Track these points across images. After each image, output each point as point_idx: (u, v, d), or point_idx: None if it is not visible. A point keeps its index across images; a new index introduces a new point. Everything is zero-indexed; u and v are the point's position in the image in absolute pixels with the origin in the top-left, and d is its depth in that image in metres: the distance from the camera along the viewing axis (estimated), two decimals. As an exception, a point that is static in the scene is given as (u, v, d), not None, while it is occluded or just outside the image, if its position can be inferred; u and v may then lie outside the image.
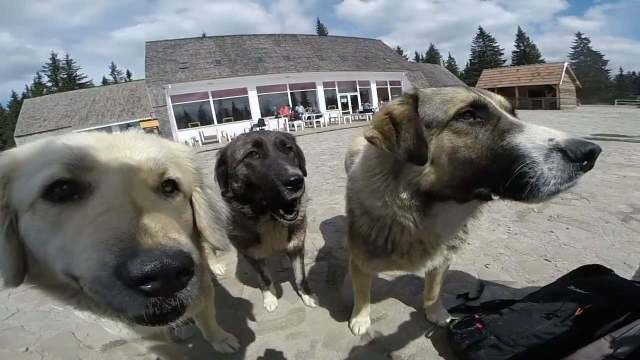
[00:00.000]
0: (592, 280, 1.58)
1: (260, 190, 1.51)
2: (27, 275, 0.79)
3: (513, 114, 0.98)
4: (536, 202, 0.81)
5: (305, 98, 24.72)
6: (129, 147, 0.80)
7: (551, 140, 0.78)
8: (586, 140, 0.77)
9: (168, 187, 0.83)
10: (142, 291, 0.55)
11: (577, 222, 2.96)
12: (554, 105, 24.96)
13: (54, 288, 0.81)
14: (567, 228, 2.87)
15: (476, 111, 0.93)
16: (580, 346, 1.25)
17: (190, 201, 0.95)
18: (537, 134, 0.81)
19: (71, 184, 0.69)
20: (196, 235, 0.96)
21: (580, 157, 0.75)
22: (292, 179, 1.36)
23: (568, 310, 1.40)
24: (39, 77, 52.20)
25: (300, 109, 22.19)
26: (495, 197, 0.88)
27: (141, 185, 0.75)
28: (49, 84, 50.92)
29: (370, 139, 1.02)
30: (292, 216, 1.50)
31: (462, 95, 0.96)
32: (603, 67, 54.25)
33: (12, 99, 51.97)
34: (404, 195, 1.03)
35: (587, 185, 3.94)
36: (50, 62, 51.86)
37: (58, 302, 0.86)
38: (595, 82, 50.57)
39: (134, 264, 0.54)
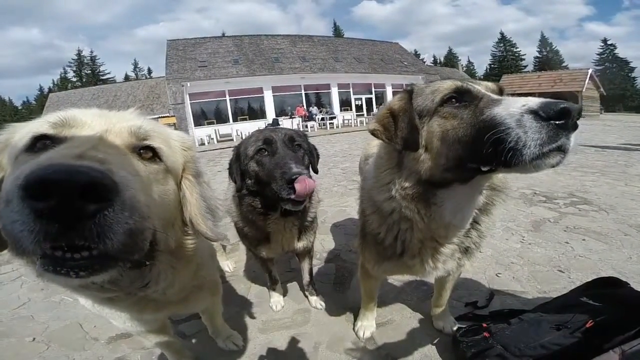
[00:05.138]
0: (606, 292, 1.53)
1: (268, 186, 1.52)
2: None
3: (501, 95, 1.01)
4: (525, 168, 0.81)
5: (319, 99, 24.79)
6: (119, 117, 0.83)
7: (524, 105, 0.79)
8: (559, 100, 0.77)
9: (147, 153, 0.81)
10: (35, 210, 0.46)
11: (595, 234, 2.87)
12: (575, 113, 24.17)
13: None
14: (584, 239, 2.78)
15: (460, 96, 0.99)
16: (588, 358, 1.22)
17: (179, 187, 0.94)
18: (513, 103, 0.83)
19: (52, 139, 0.72)
20: (182, 223, 0.95)
21: (552, 115, 0.75)
22: (294, 177, 1.37)
23: (579, 322, 1.36)
24: (65, 72, 54.46)
25: (314, 110, 22.26)
26: (484, 169, 0.90)
27: (114, 141, 0.73)
28: (74, 79, 52.84)
29: (372, 132, 1.12)
30: (298, 207, 1.48)
31: (447, 84, 1.03)
32: (630, 74, 52.19)
33: (39, 92, 54.30)
34: (406, 184, 1.09)
35: (607, 197, 3.82)
36: (75, 57, 53.86)
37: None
38: (621, 89, 48.75)
39: (35, 170, 0.45)
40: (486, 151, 0.84)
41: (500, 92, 1.05)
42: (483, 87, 1.01)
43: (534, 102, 0.78)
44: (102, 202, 0.49)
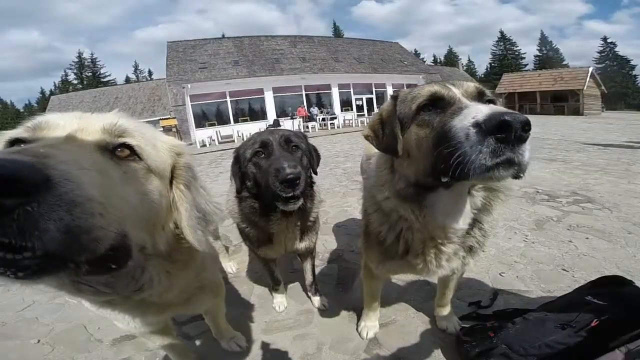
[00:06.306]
0: (610, 291, 1.52)
1: (265, 188, 1.53)
2: None
3: (481, 98, 1.01)
4: (478, 181, 0.84)
5: (320, 99, 24.77)
6: (99, 118, 0.81)
7: (474, 117, 0.78)
8: (505, 111, 0.75)
9: (123, 151, 0.77)
10: None
11: (598, 232, 2.86)
12: (577, 111, 24.13)
13: None
14: (587, 238, 2.77)
15: (435, 102, 0.98)
16: (594, 357, 1.21)
17: (170, 189, 0.91)
18: (467, 115, 0.81)
19: (26, 143, 0.71)
20: (175, 227, 0.92)
21: (490, 129, 0.74)
22: (288, 177, 1.38)
23: (583, 321, 1.35)
24: (66, 75, 54.64)
25: (314, 110, 22.28)
26: (444, 180, 0.89)
27: (82, 138, 0.71)
28: (75, 82, 53.03)
29: (366, 138, 1.18)
30: (291, 205, 1.52)
31: (424, 90, 1.03)
32: (630, 72, 52.07)
33: (41, 95, 54.53)
34: (398, 186, 1.12)
35: (611, 195, 3.81)
36: (76, 60, 54.09)
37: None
38: (622, 87, 48.65)
39: None
40: (441, 164, 0.84)
41: (480, 95, 1.02)
42: (460, 92, 0.99)
43: (482, 114, 0.76)
44: (22, 196, 0.45)
